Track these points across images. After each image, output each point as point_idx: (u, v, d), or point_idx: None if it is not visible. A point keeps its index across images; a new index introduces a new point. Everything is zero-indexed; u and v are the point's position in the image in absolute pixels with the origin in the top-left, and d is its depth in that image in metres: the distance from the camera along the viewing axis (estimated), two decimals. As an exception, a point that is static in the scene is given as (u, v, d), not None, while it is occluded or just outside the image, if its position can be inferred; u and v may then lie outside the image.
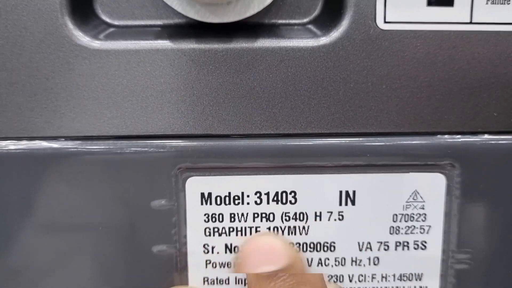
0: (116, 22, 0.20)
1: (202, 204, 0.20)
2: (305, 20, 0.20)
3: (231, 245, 0.21)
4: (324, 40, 0.19)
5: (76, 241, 0.20)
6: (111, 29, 0.20)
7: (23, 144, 0.20)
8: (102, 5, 0.20)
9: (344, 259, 0.21)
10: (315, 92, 0.20)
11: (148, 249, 0.20)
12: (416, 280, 0.21)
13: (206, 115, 0.20)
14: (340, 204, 0.20)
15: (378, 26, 0.19)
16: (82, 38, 0.19)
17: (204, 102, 0.20)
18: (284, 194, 0.20)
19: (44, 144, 0.20)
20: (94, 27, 0.20)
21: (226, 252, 0.21)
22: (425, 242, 0.21)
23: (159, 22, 0.20)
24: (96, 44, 0.19)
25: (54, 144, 0.20)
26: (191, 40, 0.19)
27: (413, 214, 0.21)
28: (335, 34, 0.19)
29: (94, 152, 0.20)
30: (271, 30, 0.20)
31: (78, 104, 0.20)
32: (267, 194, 0.20)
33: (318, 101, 0.20)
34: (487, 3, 0.19)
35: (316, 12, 0.20)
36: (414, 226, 0.21)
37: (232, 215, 0.20)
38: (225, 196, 0.20)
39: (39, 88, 0.19)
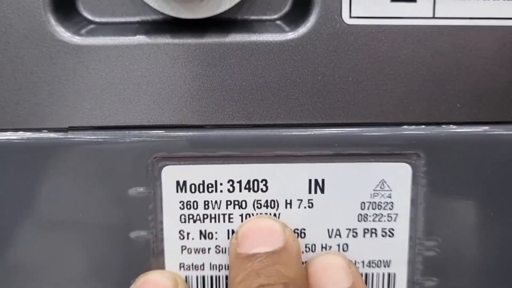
0: (97, 19, 0.21)
1: (177, 192, 0.21)
2: (275, 16, 0.21)
3: (205, 231, 0.21)
4: (291, 35, 0.20)
5: (57, 227, 0.21)
6: (92, 26, 0.21)
7: (8, 135, 0.21)
8: (83, 3, 0.21)
9: (314, 245, 0.22)
10: (284, 85, 0.20)
11: (126, 235, 0.21)
12: (385, 266, 0.22)
13: (181, 106, 0.21)
14: (310, 192, 0.21)
15: (344, 21, 0.20)
16: (64, 34, 0.20)
17: (179, 94, 0.21)
18: (255, 182, 0.21)
19: (28, 135, 0.21)
20: (76, 23, 0.21)
21: (200, 238, 0.22)
22: (393, 230, 0.22)
23: (137, 19, 0.21)
24: (77, 39, 0.20)
25: (38, 135, 0.21)
26: (167, 35, 0.20)
27: (381, 202, 0.21)
28: (303, 29, 0.20)
29: (75, 143, 0.21)
30: (243, 26, 0.21)
31: (60, 97, 0.21)
32: (239, 182, 0.21)
33: (287, 93, 0.21)
34: (448, -1, 0.20)
35: (286, 9, 0.21)
36: (382, 214, 0.21)
37: (206, 203, 0.21)
38: (199, 184, 0.21)
39: (24, 82, 0.20)
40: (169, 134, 0.21)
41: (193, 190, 0.21)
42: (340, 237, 0.22)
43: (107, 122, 0.21)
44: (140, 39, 0.20)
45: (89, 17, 0.21)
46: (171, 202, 0.21)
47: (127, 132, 0.21)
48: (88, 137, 0.21)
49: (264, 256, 0.19)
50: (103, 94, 0.21)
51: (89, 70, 0.20)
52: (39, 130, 0.21)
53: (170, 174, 0.21)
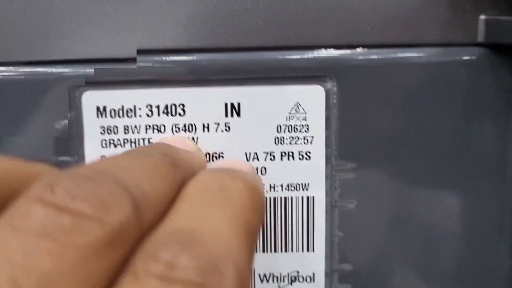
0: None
1: (98, 117, 0.22)
2: None
3: (126, 156, 0.22)
4: (202, -41, 0.21)
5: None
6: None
7: None
8: None
9: (233, 169, 0.22)
10: (198, 9, 0.21)
11: (49, 161, 0.22)
12: (303, 190, 0.22)
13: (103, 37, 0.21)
14: (226, 116, 0.22)
15: None
16: (-11, -34, 0.21)
17: (98, 26, 0.21)
18: (173, 107, 0.22)
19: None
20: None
21: (122, 164, 0.22)
22: (309, 152, 0.22)
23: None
24: (1, -27, 0.21)
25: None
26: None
27: (296, 125, 0.22)
28: (214, -45, 0.21)
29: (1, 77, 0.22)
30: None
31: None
32: (158, 107, 0.22)
33: (201, 18, 0.21)
34: None
35: None
36: (298, 137, 0.22)
37: (126, 127, 0.22)
38: (119, 109, 0.22)
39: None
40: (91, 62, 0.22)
41: (113, 115, 0.22)
42: (258, 160, 0.22)
43: (33, 57, 0.22)
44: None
45: (15, -47, 0.22)
46: (92, 128, 0.22)
47: (50, 65, 0.22)
48: (15, 70, 0.22)
49: (163, 145, 0.19)
50: (29, 30, 0.21)
51: (14, 7, 0.21)
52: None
53: (90, 99, 0.22)
